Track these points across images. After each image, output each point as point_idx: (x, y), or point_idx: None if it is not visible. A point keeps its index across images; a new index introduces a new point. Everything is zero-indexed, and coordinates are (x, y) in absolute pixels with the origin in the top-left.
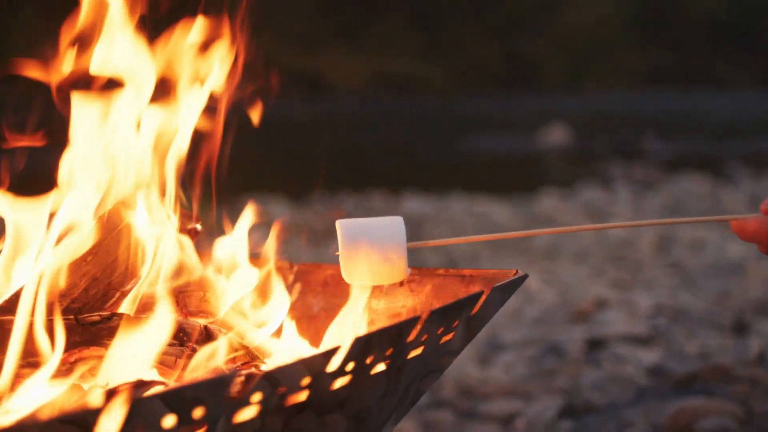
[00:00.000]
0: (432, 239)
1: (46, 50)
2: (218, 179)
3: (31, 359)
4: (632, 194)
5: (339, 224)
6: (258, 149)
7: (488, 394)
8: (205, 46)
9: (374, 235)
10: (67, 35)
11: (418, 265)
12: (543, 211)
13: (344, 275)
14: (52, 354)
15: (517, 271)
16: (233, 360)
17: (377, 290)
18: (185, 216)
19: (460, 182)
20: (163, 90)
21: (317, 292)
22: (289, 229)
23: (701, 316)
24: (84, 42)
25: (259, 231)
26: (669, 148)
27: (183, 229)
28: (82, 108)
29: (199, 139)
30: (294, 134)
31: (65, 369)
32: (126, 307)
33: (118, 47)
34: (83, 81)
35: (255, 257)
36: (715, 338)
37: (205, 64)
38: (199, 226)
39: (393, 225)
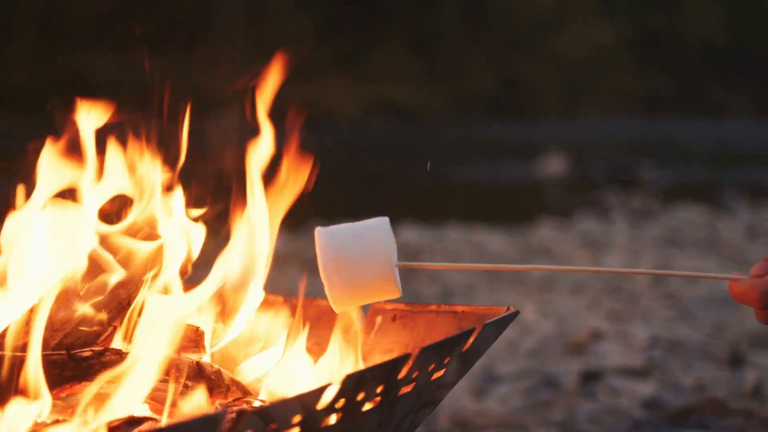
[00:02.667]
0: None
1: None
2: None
3: (21, 395)
4: (629, 224)
5: (318, 234)
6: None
7: (483, 426)
8: None
9: (357, 249)
10: None
11: (414, 295)
12: (539, 241)
13: (332, 304)
14: (43, 390)
15: (508, 308)
16: (225, 396)
17: (369, 326)
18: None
19: (456, 211)
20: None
21: (311, 326)
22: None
23: (697, 348)
24: None
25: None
26: (666, 177)
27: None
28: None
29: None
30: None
31: (56, 404)
32: (119, 342)
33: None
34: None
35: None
36: (711, 370)
37: None
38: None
39: (378, 234)
